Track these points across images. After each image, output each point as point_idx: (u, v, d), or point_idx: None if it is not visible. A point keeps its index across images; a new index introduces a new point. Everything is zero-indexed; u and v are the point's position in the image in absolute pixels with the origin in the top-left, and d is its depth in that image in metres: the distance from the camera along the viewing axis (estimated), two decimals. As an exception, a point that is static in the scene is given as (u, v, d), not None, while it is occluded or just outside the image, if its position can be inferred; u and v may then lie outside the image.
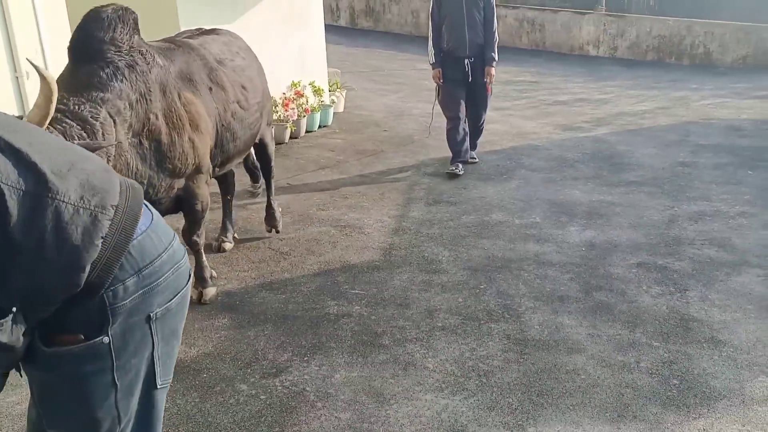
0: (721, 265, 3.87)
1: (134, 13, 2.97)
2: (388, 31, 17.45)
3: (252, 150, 4.25)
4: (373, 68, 11.63)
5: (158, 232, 1.28)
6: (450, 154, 5.75)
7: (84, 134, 2.56)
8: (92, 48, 2.79)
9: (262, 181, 4.62)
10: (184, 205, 3.34)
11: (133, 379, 1.26)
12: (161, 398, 1.39)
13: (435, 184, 5.48)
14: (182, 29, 4.21)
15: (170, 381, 1.41)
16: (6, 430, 2.51)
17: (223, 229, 4.15)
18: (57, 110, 2.47)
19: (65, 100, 2.61)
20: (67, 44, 2.85)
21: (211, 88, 3.40)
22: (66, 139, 2.36)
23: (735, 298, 3.49)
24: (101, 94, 2.71)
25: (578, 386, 2.76)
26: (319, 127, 7.29)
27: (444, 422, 2.51)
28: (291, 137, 6.73)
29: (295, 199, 5.04)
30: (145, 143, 2.95)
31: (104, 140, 2.62)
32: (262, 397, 2.66)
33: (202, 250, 3.52)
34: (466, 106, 5.78)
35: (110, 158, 2.70)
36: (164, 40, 3.46)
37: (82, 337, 1.18)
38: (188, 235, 3.45)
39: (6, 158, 1.07)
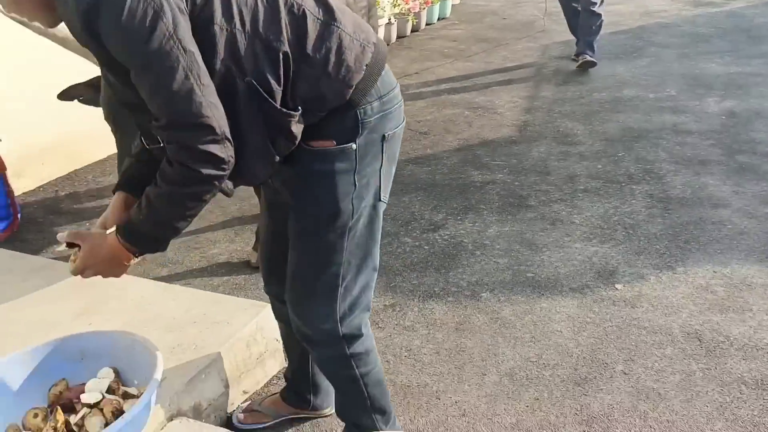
0: None
1: None
2: None
3: None
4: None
5: (389, 73, 1.56)
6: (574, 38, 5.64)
7: None
8: None
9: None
10: None
11: (365, 185, 1.56)
12: (381, 212, 1.69)
13: (562, 66, 5.49)
14: None
15: (386, 203, 1.70)
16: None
17: None
18: None
19: None
20: None
21: None
22: None
23: None
24: None
25: (725, 235, 2.88)
26: (439, 19, 7.34)
27: (595, 264, 2.74)
28: (412, 30, 6.85)
29: (426, 85, 5.24)
30: None
31: None
32: (425, 247, 2.99)
33: None
34: None
35: None
36: None
37: (334, 142, 1.49)
38: None
39: None
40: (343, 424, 1.83)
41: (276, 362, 2.24)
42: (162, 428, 1.81)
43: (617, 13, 7.11)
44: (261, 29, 1.33)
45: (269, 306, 2.08)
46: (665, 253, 2.78)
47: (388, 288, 2.70)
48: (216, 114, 1.27)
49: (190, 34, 1.26)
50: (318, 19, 1.39)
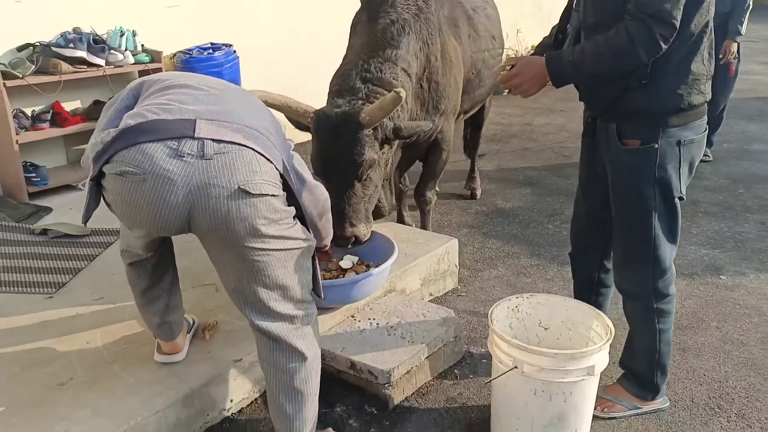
0: None
1: None
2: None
3: None
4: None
5: None
6: None
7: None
8: (386, 3, 2.82)
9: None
10: (430, 152, 3.24)
11: (665, 180, 2.02)
12: (678, 210, 2.10)
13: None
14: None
15: (683, 198, 2.10)
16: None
17: (470, 179, 4.37)
18: (364, 78, 2.62)
19: (366, 65, 2.66)
20: (362, 1, 2.98)
21: (469, 35, 3.36)
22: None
23: None
24: (395, 51, 2.71)
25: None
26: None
27: (705, 261, 3.38)
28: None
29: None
30: (425, 85, 2.93)
31: (404, 102, 2.63)
32: (564, 233, 3.75)
33: (432, 209, 3.48)
34: None
35: (406, 106, 2.73)
36: None
37: (639, 142, 2.03)
38: (421, 189, 3.37)
39: None
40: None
41: (452, 280, 3.09)
42: (384, 296, 2.71)
43: (758, 82, 7.58)
44: None
45: (455, 240, 2.94)
46: (767, 261, 3.39)
47: (533, 254, 3.49)
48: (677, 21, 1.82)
49: None
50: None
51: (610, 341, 1.98)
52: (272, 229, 1.68)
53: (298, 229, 1.78)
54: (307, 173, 1.94)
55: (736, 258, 3.43)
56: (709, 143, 4.92)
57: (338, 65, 2.82)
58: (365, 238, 2.60)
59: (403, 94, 2.37)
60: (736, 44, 4.58)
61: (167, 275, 2.08)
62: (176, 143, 1.58)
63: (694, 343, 2.68)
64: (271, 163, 1.68)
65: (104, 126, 1.74)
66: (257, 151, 1.65)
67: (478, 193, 4.32)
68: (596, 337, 2.08)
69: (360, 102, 2.54)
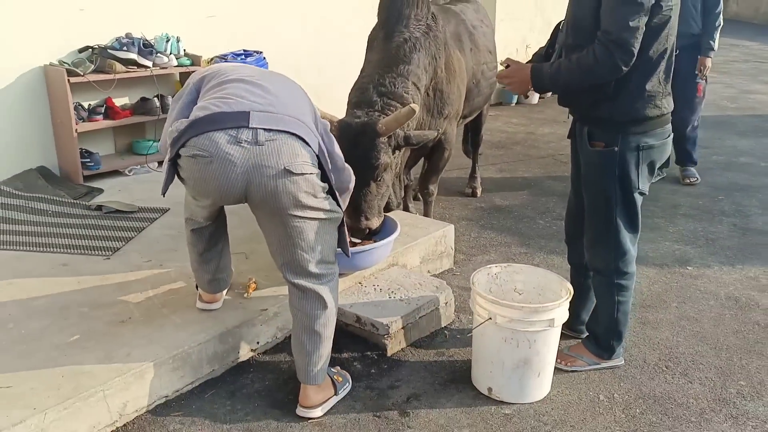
0: None
1: None
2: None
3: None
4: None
5: None
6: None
7: (400, 107, 2.98)
8: (400, 24, 3.23)
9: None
10: (435, 149, 3.66)
11: (624, 178, 2.46)
12: (637, 203, 2.52)
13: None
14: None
15: (644, 193, 2.54)
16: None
17: (472, 179, 4.80)
18: (380, 92, 3.01)
19: (381, 80, 3.05)
20: (378, 20, 3.38)
21: (471, 49, 3.81)
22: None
23: None
24: (407, 67, 3.11)
25: (783, 254, 3.84)
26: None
27: (676, 255, 3.81)
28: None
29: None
30: (431, 94, 3.36)
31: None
32: (553, 227, 4.19)
33: (433, 201, 3.97)
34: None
35: (416, 116, 3.08)
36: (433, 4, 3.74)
37: (604, 144, 2.46)
38: (425, 182, 3.84)
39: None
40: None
41: (449, 261, 3.55)
42: (387, 268, 3.17)
43: (758, 101, 7.97)
44: None
45: (452, 226, 3.40)
46: (732, 257, 3.80)
47: (523, 244, 3.94)
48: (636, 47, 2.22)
49: None
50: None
51: (569, 300, 2.43)
52: (310, 200, 2.15)
53: (329, 203, 2.24)
54: (339, 156, 2.40)
55: (704, 253, 3.85)
56: (692, 161, 5.06)
57: (356, 75, 3.29)
58: (377, 229, 3.05)
59: (416, 108, 2.78)
60: (710, 60, 4.71)
61: (220, 241, 2.57)
62: (235, 132, 2.06)
63: (654, 319, 3.11)
64: (310, 147, 2.15)
65: (175, 116, 2.24)
66: (299, 136, 2.12)
67: (479, 191, 4.75)
68: (559, 299, 2.53)
69: (376, 114, 2.95)
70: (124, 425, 2.28)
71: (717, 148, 6.01)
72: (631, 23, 2.21)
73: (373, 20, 3.48)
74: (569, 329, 2.87)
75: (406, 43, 3.18)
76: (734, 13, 16.10)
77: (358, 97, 3.07)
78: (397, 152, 3.06)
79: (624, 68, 2.28)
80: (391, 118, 2.86)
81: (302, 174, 2.11)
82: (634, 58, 2.27)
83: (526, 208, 4.54)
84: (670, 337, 2.95)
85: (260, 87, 2.19)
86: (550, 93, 2.71)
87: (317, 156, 2.18)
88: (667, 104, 2.46)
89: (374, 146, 2.89)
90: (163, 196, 2.31)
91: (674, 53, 2.43)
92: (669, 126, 2.50)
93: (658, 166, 2.54)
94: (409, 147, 3.15)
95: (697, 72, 4.71)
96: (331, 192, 2.27)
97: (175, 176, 2.22)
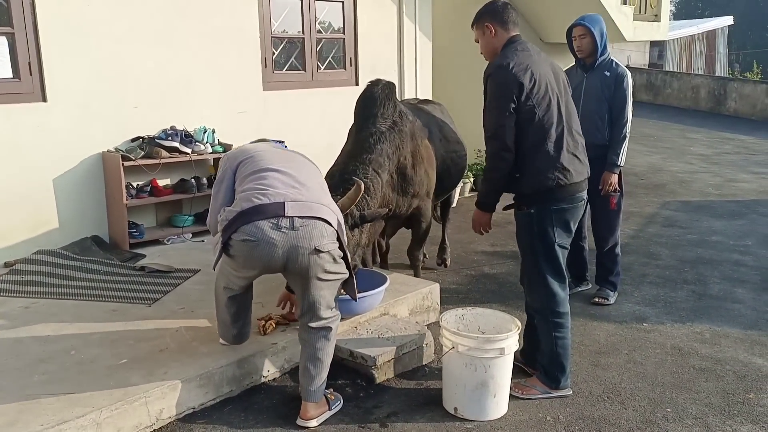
0: None
1: (394, 84, 4.06)
2: (667, 104, 18.49)
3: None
4: (644, 135, 13.16)
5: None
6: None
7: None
8: (369, 120, 3.86)
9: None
10: (413, 222, 4.33)
11: (542, 234, 3.13)
12: (558, 255, 3.17)
13: (672, 216, 7.11)
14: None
15: (565, 247, 3.24)
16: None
17: (441, 251, 5.36)
18: (343, 179, 3.54)
19: (346, 167, 3.65)
20: (354, 118, 3.99)
21: (441, 139, 4.48)
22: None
23: None
24: (369, 156, 3.69)
25: (734, 315, 4.37)
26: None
27: (635, 315, 4.36)
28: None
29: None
30: (395, 177, 3.91)
31: (372, 192, 3.59)
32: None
33: (421, 266, 4.69)
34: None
35: (377, 194, 3.64)
36: (403, 102, 4.47)
37: (526, 208, 3.17)
38: (411, 251, 4.59)
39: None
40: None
41: (434, 315, 4.15)
42: (380, 316, 3.79)
43: (741, 189, 8.60)
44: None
45: (437, 284, 4.04)
46: (685, 317, 4.34)
47: (502, 303, 4.53)
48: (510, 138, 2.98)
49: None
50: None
51: (518, 332, 3.03)
52: (332, 267, 2.86)
53: (342, 266, 2.93)
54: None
55: (661, 313, 4.41)
56: (612, 285, 4.59)
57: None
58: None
59: (362, 186, 3.30)
60: (615, 176, 4.31)
61: (248, 303, 3.23)
62: (276, 220, 2.76)
63: (605, 362, 3.65)
64: (332, 226, 2.86)
65: (221, 200, 3.00)
66: (324, 220, 2.83)
67: (448, 262, 5.33)
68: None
69: (338, 197, 3.33)
70: (160, 428, 2.89)
71: (692, 228, 6.61)
72: (498, 122, 3.00)
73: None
74: (528, 366, 3.43)
75: (372, 136, 3.77)
76: (733, 109, 16.99)
77: (327, 183, 3.36)
78: (356, 230, 3.51)
79: (505, 154, 3.03)
80: (344, 199, 3.30)
81: (328, 251, 2.82)
82: (509, 145, 3.00)
83: (510, 275, 5.14)
84: (616, 375, 3.49)
85: (290, 176, 2.91)
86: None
87: (336, 231, 2.88)
88: (569, 176, 3.06)
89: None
90: (214, 270, 3.01)
91: (573, 134, 3.10)
92: (581, 193, 3.17)
93: (572, 223, 3.16)
94: (366, 224, 3.59)
95: (600, 187, 4.32)
96: (344, 255, 2.93)
97: (224, 254, 2.88)
